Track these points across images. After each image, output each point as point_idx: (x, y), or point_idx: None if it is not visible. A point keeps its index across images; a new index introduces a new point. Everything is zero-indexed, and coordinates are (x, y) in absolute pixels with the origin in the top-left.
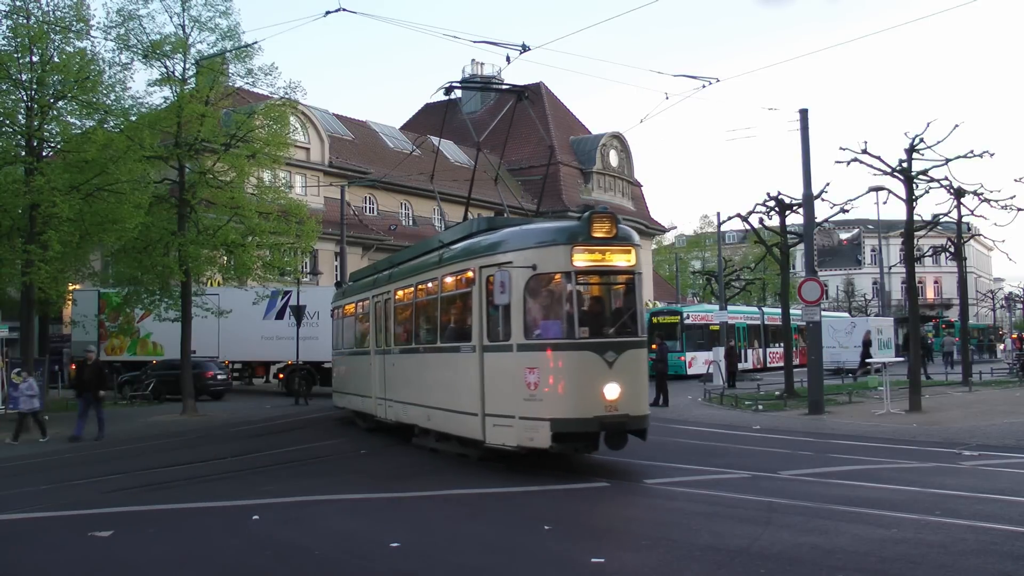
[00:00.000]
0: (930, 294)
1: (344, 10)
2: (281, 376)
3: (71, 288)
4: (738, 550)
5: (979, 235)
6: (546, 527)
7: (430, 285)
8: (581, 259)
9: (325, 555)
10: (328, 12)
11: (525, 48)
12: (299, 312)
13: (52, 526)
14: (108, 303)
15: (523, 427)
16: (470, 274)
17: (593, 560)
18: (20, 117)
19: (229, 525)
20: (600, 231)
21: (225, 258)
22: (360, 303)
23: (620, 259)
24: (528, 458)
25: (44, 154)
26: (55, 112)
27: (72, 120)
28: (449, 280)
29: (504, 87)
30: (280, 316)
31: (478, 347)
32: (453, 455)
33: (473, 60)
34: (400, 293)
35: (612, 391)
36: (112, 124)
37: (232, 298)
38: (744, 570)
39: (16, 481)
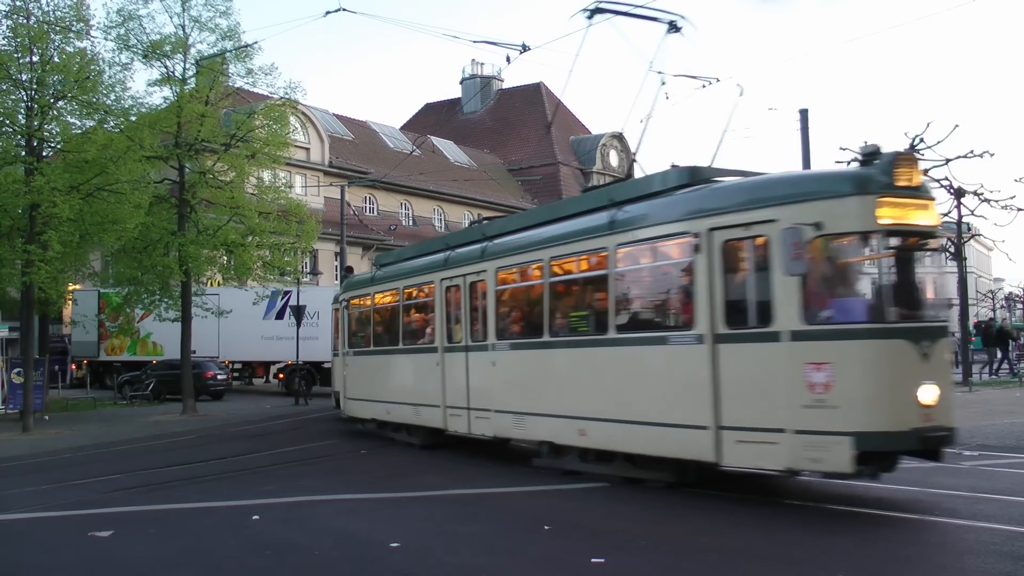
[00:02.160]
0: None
1: (344, 10)
2: (281, 376)
3: (71, 288)
4: (739, 550)
5: (979, 235)
6: (546, 527)
7: (593, 259)
8: (888, 215)
9: (325, 555)
10: (328, 12)
11: (525, 48)
12: (299, 312)
13: (52, 526)
14: (108, 303)
15: (801, 444)
16: (688, 240)
17: (593, 560)
18: (20, 117)
19: (229, 525)
20: (905, 178)
21: (225, 258)
22: (408, 291)
23: (926, 217)
24: (532, 456)
25: (44, 154)
26: (55, 112)
27: (72, 120)
28: (635, 250)
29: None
30: (280, 316)
31: (707, 335)
32: (623, 479)
33: (473, 60)
34: (511, 273)
35: (928, 394)
36: (112, 124)
37: (232, 298)
38: (744, 570)
39: (16, 481)
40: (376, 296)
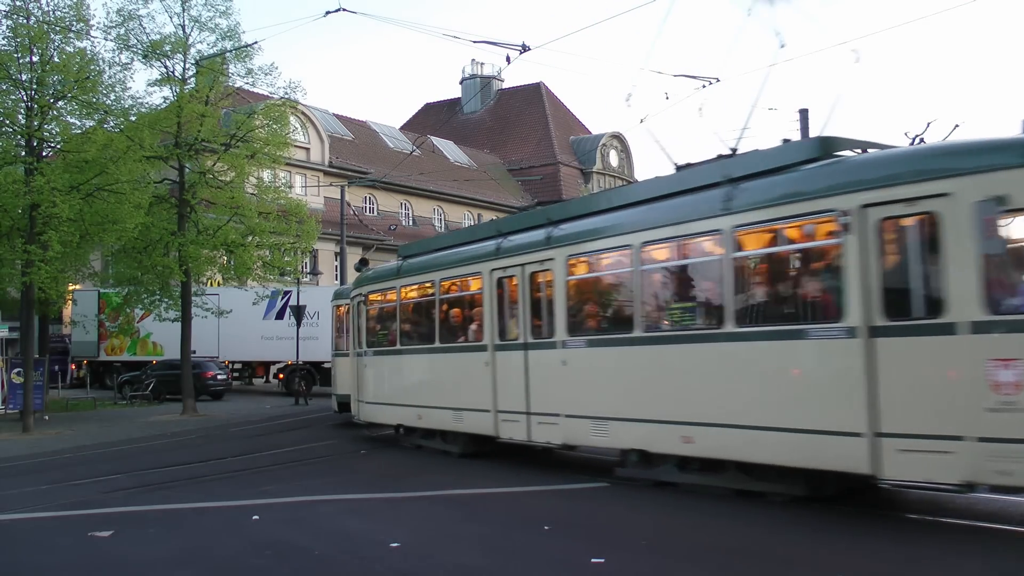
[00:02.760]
0: None
1: (344, 10)
2: (281, 376)
3: (71, 288)
4: (739, 550)
5: None
6: (546, 527)
7: (701, 244)
8: None
9: (325, 555)
10: (328, 12)
11: (525, 48)
12: (299, 312)
13: (52, 526)
14: (108, 303)
15: (985, 454)
16: (833, 219)
17: (593, 560)
18: (20, 117)
19: (229, 525)
20: None
21: (225, 258)
22: (447, 283)
23: None
24: (533, 456)
25: (44, 154)
26: (55, 112)
27: (72, 120)
28: (759, 232)
29: None
30: (280, 316)
31: (860, 328)
32: (734, 492)
33: (473, 60)
34: (587, 262)
35: None
36: (112, 124)
37: (232, 298)
38: (744, 570)
39: (16, 481)
40: (403, 290)
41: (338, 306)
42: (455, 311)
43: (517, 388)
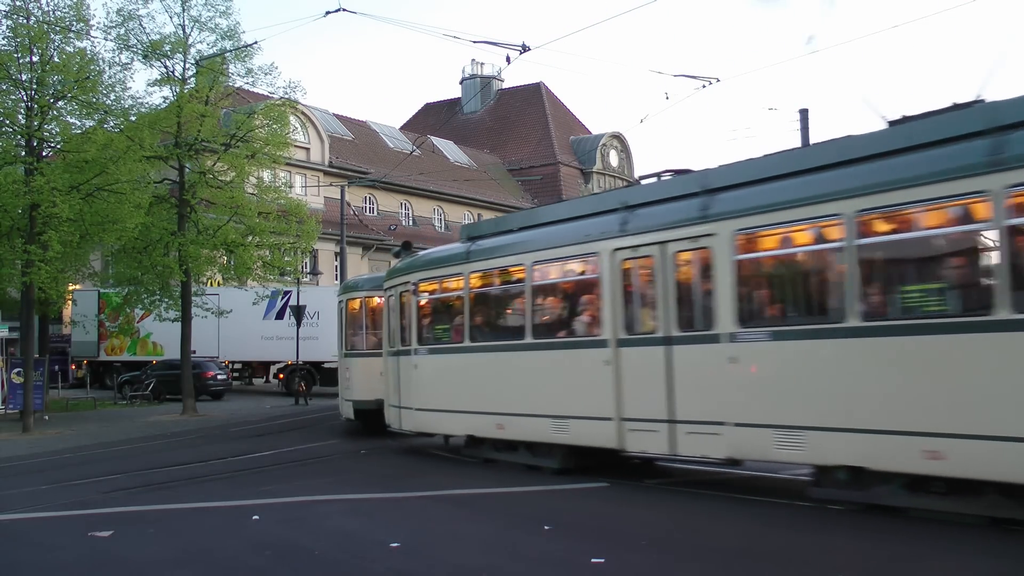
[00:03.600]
0: None
1: (344, 10)
2: (281, 376)
3: (71, 288)
4: (739, 551)
5: None
6: (546, 527)
7: (958, 210)
8: None
9: (325, 555)
10: (328, 12)
11: (525, 48)
12: (299, 312)
13: (52, 526)
14: (108, 303)
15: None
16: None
17: (593, 560)
18: (20, 117)
19: (229, 525)
20: None
21: (225, 258)
22: (543, 267)
23: None
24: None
25: (44, 154)
26: (55, 112)
27: (72, 120)
28: None
29: None
30: (280, 316)
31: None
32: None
33: (473, 60)
34: (769, 236)
35: None
36: (112, 124)
37: (232, 298)
38: (745, 570)
39: (16, 481)
40: (474, 277)
41: (351, 300)
42: (553, 300)
43: (653, 391)
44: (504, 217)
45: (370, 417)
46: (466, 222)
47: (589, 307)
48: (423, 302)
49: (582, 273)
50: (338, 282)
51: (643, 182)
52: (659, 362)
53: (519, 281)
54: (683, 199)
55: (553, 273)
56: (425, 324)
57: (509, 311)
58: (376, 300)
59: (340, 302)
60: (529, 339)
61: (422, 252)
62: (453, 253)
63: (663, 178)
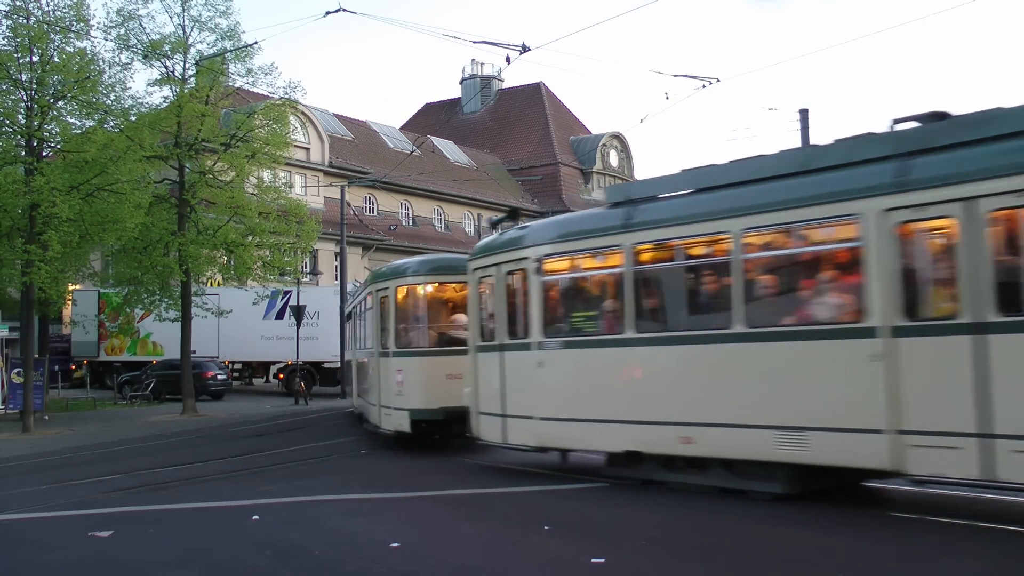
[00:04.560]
0: None
1: (344, 10)
2: (281, 376)
3: (71, 288)
4: (739, 551)
5: None
6: (546, 527)
7: None
8: None
9: (325, 555)
10: (328, 12)
11: (525, 48)
12: (299, 312)
13: (52, 526)
14: (108, 303)
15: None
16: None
17: (593, 560)
18: (20, 117)
19: (229, 525)
20: None
21: (225, 258)
22: (755, 237)
23: None
24: (533, 456)
25: (44, 154)
26: (55, 112)
27: (72, 120)
28: None
29: None
30: (280, 316)
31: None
32: None
33: (473, 60)
34: None
35: None
36: (112, 124)
37: (232, 298)
38: (745, 570)
39: (16, 481)
40: (641, 250)
41: (399, 287)
42: (777, 277)
43: (959, 392)
44: (666, 176)
45: (432, 429)
46: (466, 222)
47: (841, 286)
48: (551, 283)
49: (828, 242)
50: (337, 282)
51: (897, 127)
52: (964, 356)
53: (721, 254)
54: (1004, 139)
55: (778, 242)
56: (555, 311)
57: (703, 293)
58: (426, 289)
59: (380, 291)
60: (739, 328)
61: (533, 224)
62: (601, 221)
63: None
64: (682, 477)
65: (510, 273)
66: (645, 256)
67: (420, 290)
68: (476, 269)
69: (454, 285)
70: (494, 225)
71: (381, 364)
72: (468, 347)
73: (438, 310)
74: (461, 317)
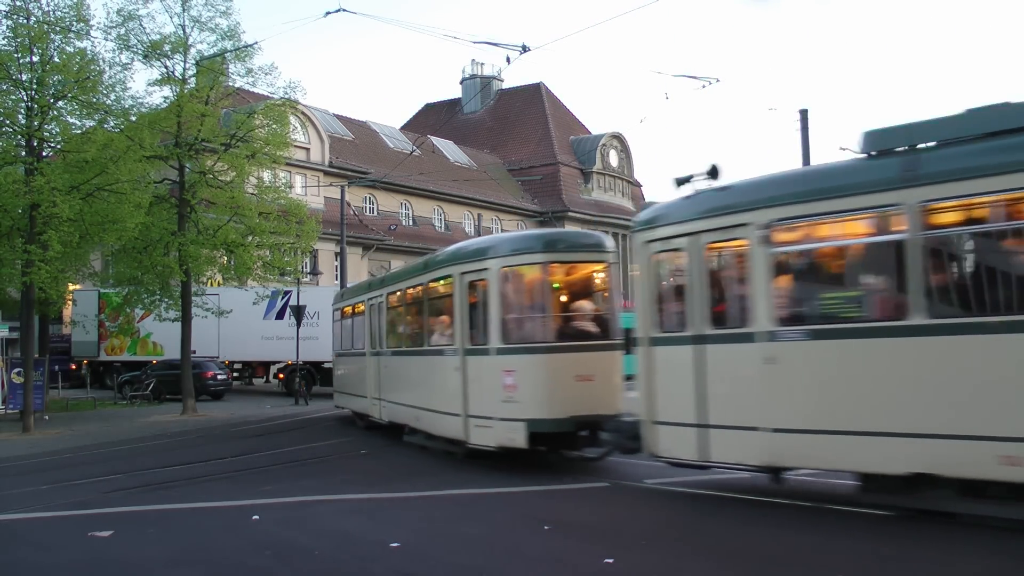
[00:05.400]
0: None
1: (344, 10)
2: (281, 376)
3: (71, 288)
4: (739, 551)
5: None
6: (546, 527)
7: None
8: None
9: (325, 555)
10: (328, 12)
11: (525, 49)
12: (299, 312)
13: (52, 526)
14: (108, 303)
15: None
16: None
17: (593, 560)
18: (20, 117)
19: (229, 525)
20: None
21: (225, 258)
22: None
23: None
24: (532, 456)
25: (44, 154)
26: (55, 112)
27: (72, 120)
28: None
29: None
30: (280, 316)
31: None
32: None
33: (473, 60)
34: None
35: None
36: (112, 124)
37: (232, 298)
38: (745, 570)
39: (16, 481)
40: (936, 209)
41: (517, 268)
42: None
43: None
44: (947, 118)
45: (553, 442)
46: (467, 222)
47: None
48: (785, 256)
49: None
50: (337, 282)
51: None
52: None
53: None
54: None
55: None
56: (790, 292)
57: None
58: (546, 269)
59: (470, 274)
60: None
61: (740, 182)
62: (862, 175)
63: None
64: (1001, 510)
65: (713, 245)
66: (941, 218)
67: (536, 272)
68: (653, 241)
69: (566, 266)
70: (680, 183)
71: (470, 365)
72: (640, 339)
73: (555, 297)
74: (585, 304)
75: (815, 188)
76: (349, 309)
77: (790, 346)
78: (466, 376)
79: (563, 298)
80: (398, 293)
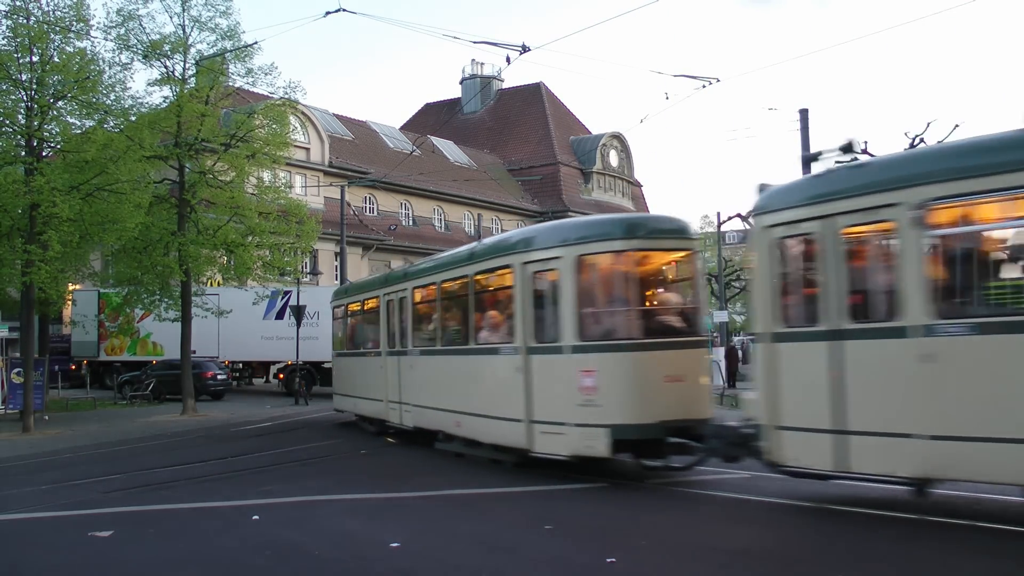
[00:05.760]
0: None
1: (344, 10)
2: (281, 376)
3: (71, 288)
4: (739, 551)
5: None
6: (546, 527)
7: None
8: None
9: (325, 555)
10: (328, 12)
11: (525, 49)
12: (299, 312)
13: (52, 526)
14: (108, 303)
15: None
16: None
17: (593, 560)
18: (20, 117)
19: (229, 525)
20: None
21: (225, 258)
22: None
23: None
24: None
25: (44, 154)
26: (55, 112)
27: (72, 120)
28: None
29: None
30: (280, 316)
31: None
32: None
33: (473, 60)
34: None
35: None
36: (112, 124)
37: (232, 298)
38: (745, 570)
39: (16, 481)
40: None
41: (585, 257)
42: None
43: None
44: None
45: (638, 450)
46: (467, 222)
47: None
48: (946, 239)
49: None
50: (337, 282)
51: None
52: None
53: None
54: None
55: None
56: (952, 280)
57: None
58: (633, 258)
59: (534, 263)
60: None
61: (879, 159)
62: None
63: None
64: None
65: (851, 228)
66: None
67: (617, 260)
68: (775, 226)
69: (648, 254)
70: (808, 162)
71: (536, 364)
72: (759, 334)
73: (638, 289)
74: (671, 297)
75: (984, 162)
76: (355, 306)
77: (952, 341)
78: (530, 377)
79: (647, 290)
80: (430, 286)
